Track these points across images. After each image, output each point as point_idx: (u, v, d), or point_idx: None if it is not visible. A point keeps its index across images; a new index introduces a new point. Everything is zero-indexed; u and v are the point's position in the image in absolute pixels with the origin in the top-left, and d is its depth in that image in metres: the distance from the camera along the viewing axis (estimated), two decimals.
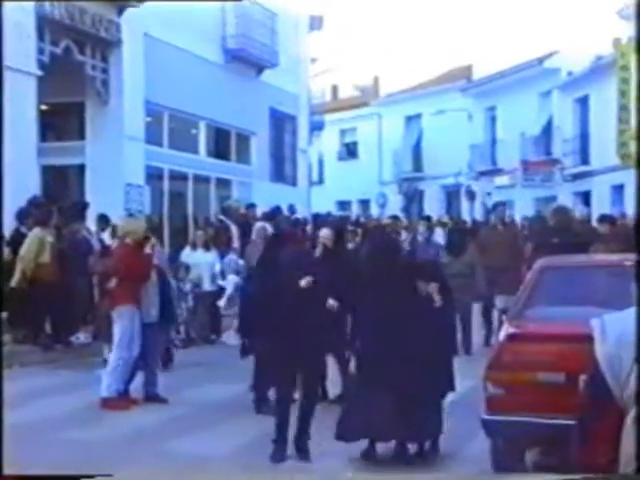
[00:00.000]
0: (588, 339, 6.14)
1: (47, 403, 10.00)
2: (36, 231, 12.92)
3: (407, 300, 7.12)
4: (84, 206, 14.62)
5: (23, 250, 12.70)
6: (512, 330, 6.35)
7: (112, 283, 10.04)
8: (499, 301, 12.29)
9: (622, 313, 2.80)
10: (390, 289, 7.09)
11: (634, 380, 2.65)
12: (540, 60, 33.13)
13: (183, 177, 20.93)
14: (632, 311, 2.72)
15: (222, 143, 22.69)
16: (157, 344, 10.15)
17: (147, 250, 9.61)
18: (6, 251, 12.98)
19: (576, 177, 31.51)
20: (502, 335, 6.33)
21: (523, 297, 6.80)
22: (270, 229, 13.29)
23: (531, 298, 6.75)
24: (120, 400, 9.54)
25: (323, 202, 31.76)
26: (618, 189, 28.40)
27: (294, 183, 25.47)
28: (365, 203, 41.23)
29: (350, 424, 7.08)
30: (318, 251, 9.13)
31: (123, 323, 9.51)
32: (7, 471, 5.07)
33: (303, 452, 7.35)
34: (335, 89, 44.96)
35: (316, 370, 7.60)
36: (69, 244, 13.00)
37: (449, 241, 14.95)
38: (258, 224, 14.55)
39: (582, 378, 5.98)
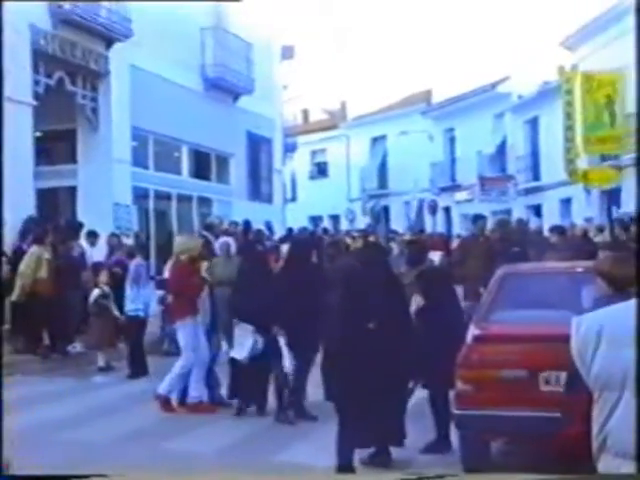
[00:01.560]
0: (547, 339, 6.34)
1: (46, 408, 10.00)
2: (34, 249, 12.92)
3: (400, 310, 7.08)
4: (79, 225, 14.61)
5: (22, 266, 12.69)
6: (477, 332, 6.47)
7: (169, 298, 10.34)
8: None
9: (595, 312, 3.10)
10: (383, 300, 6.93)
11: (597, 367, 2.95)
12: (493, 85, 33.46)
13: (167, 196, 20.96)
14: (602, 310, 3.03)
15: (203, 165, 22.73)
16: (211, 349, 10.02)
17: (202, 269, 9.63)
18: (6, 268, 12.96)
19: (528, 192, 31.79)
20: (469, 336, 6.44)
21: (487, 302, 6.93)
22: (233, 245, 13.08)
23: (494, 302, 6.88)
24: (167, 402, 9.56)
25: (297, 218, 31.83)
26: (566, 202, 28.73)
27: (270, 201, 25.53)
28: (335, 218, 41.34)
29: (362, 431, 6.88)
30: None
31: (184, 334, 9.47)
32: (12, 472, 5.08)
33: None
34: (306, 113, 45.09)
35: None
36: (64, 260, 12.99)
37: (408, 253, 14.79)
38: (221, 239, 14.10)
39: (541, 375, 6.18)
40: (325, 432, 7.26)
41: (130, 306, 12.01)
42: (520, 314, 6.76)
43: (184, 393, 9.57)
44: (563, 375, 6.08)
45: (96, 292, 12.64)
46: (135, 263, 12.26)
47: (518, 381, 6.16)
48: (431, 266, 7.73)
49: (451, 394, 6.85)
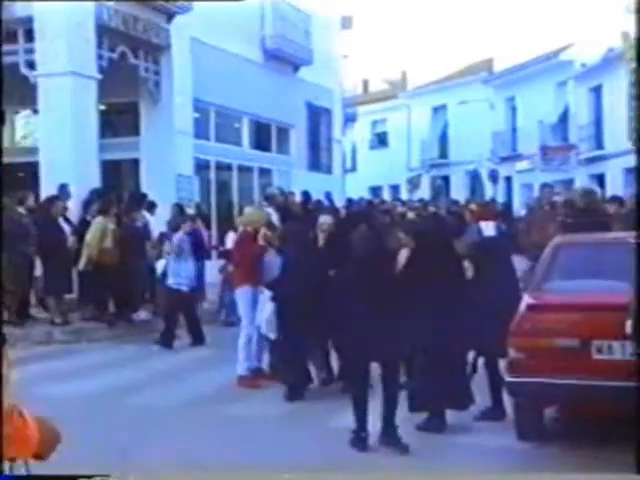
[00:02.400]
0: (600, 308, 6.40)
1: (111, 374, 10.30)
2: (99, 219, 13.23)
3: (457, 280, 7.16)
4: (142, 197, 14.88)
5: (88, 237, 13.01)
6: (531, 301, 6.55)
7: (230, 268, 10.58)
8: None
9: None
10: (442, 270, 7.04)
11: None
12: (556, 53, 33.01)
13: (228, 167, 21.20)
14: None
15: (263, 136, 22.91)
16: None
17: (260, 239, 9.57)
18: (73, 239, 13.32)
19: (591, 161, 31.39)
20: (523, 305, 6.53)
21: (540, 271, 7.00)
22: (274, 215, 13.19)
23: (548, 272, 6.95)
24: (252, 378, 9.43)
25: (356, 188, 31.93)
26: (629, 172, 28.29)
27: (329, 171, 25.64)
28: (395, 188, 41.35)
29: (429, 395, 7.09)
30: (320, 239, 8.91)
31: (242, 303, 9.59)
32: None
33: (393, 443, 6.74)
34: (366, 83, 45.00)
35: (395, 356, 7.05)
36: (128, 230, 13.29)
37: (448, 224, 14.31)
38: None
39: (594, 343, 6.25)
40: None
41: (174, 279, 12.05)
42: (573, 284, 6.82)
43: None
44: (615, 344, 6.14)
45: (163, 262, 12.90)
46: (178, 237, 12.29)
47: (570, 349, 6.23)
48: (485, 237, 7.73)
49: (502, 362, 6.97)
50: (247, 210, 11.44)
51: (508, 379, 6.51)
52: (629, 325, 5.77)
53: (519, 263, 7.72)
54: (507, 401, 7.26)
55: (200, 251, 13.94)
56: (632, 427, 5.57)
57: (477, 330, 7.06)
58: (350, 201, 25.07)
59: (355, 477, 6.29)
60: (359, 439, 6.75)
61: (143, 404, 8.71)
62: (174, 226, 13.14)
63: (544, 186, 15.01)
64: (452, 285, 7.04)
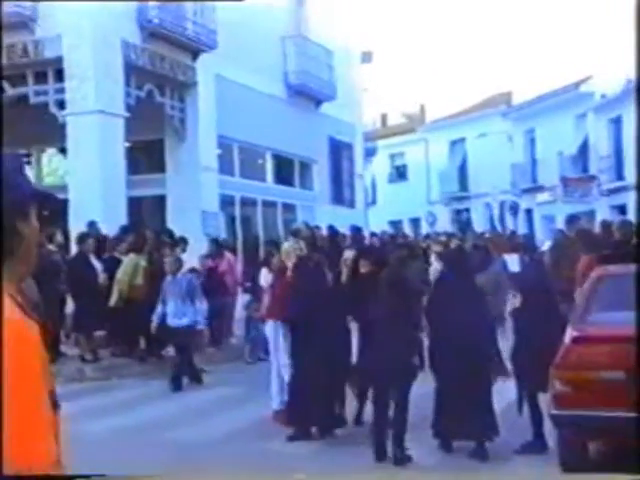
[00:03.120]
0: None
1: (143, 410, 10.35)
2: (132, 256, 13.29)
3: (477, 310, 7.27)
4: (171, 234, 14.86)
5: (120, 273, 13.07)
6: (575, 333, 6.52)
7: (261, 304, 10.54)
8: None
9: None
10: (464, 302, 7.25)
11: None
12: (576, 85, 33.08)
13: (252, 203, 21.33)
14: None
15: (286, 171, 23.07)
16: None
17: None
18: (104, 275, 13.37)
19: (612, 192, 31.32)
20: (567, 338, 6.50)
21: (583, 303, 6.98)
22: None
23: (590, 304, 6.93)
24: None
25: (377, 222, 31.95)
26: None
27: (352, 205, 25.73)
28: (415, 222, 41.31)
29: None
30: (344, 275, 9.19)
31: (272, 336, 9.52)
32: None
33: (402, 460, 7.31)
34: (384, 117, 45.18)
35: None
36: (160, 267, 13.31)
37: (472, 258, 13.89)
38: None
39: None
40: None
41: (184, 320, 11.78)
42: (616, 315, 6.78)
43: None
44: None
45: None
46: (189, 277, 12.23)
47: (616, 382, 6.19)
48: (529, 269, 7.82)
49: (545, 395, 6.96)
50: (287, 244, 11.06)
51: (553, 412, 6.47)
52: None
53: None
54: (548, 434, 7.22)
55: (221, 288, 14.15)
56: None
57: (518, 362, 7.06)
58: (373, 235, 25.12)
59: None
60: None
61: (178, 439, 8.66)
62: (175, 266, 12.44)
63: (571, 218, 14.83)
64: (470, 316, 7.19)
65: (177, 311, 11.76)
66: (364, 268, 8.77)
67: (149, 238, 14.11)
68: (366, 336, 8.19)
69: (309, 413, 8.36)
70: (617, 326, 6.53)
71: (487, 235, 22.15)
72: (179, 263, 12.22)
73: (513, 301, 7.33)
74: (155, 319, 11.94)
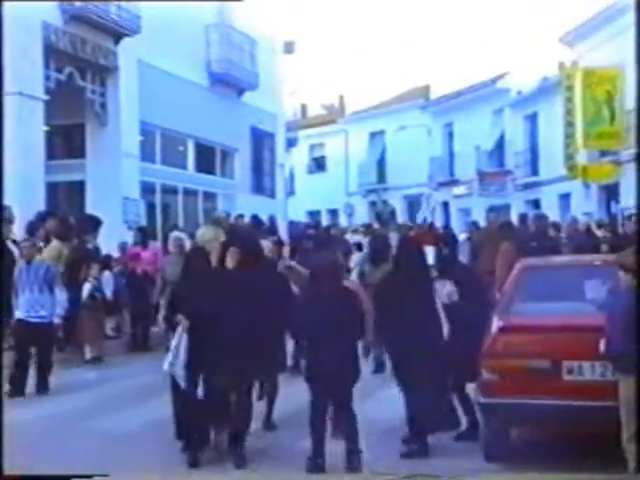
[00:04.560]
0: (568, 329, 6.53)
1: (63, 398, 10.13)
2: (55, 243, 12.99)
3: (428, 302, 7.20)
4: (97, 220, 14.47)
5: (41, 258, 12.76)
6: (501, 323, 6.64)
7: None
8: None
9: None
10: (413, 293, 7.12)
11: None
12: (493, 80, 33.64)
13: (174, 191, 21.11)
14: None
15: (208, 159, 22.88)
16: None
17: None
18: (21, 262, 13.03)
19: (527, 187, 31.99)
20: (493, 327, 6.61)
21: (508, 294, 7.11)
22: (187, 240, 12.78)
23: (515, 295, 7.06)
24: None
25: (294, 212, 32.00)
26: (565, 197, 28.92)
27: (273, 195, 25.68)
28: (333, 212, 41.52)
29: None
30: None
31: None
32: None
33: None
34: (304, 108, 45.17)
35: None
36: (81, 253, 13.06)
37: (372, 249, 12.40)
38: (174, 233, 13.86)
39: (565, 364, 6.36)
40: None
41: (42, 311, 10.45)
42: (541, 306, 6.94)
43: None
44: (585, 365, 6.26)
45: (88, 286, 12.78)
46: (47, 264, 11.00)
47: (541, 371, 6.33)
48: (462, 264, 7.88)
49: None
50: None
51: (481, 400, 6.58)
52: (602, 344, 5.91)
53: (443, 288, 7.68)
54: None
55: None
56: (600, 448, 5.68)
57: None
58: (292, 223, 25.21)
59: None
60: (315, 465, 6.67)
61: (100, 428, 8.51)
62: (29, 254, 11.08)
63: (490, 210, 15.11)
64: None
65: (34, 303, 10.39)
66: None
67: (72, 225, 13.81)
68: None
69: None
70: (542, 316, 6.68)
71: (409, 226, 22.32)
72: (35, 248, 11.05)
73: (446, 292, 7.34)
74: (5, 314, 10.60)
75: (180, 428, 7.35)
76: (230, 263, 7.53)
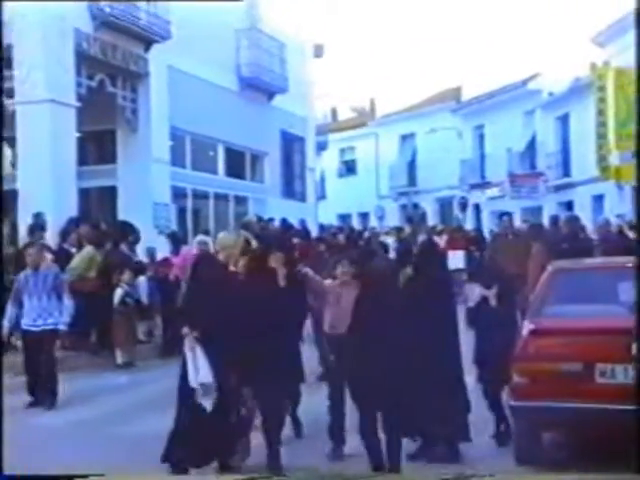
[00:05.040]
0: (601, 332, 6.47)
1: (95, 403, 10.24)
2: (89, 249, 13.12)
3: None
4: (132, 228, 14.53)
5: (74, 263, 12.92)
6: (532, 326, 6.60)
7: None
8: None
9: None
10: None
11: None
12: (524, 82, 33.45)
13: (204, 195, 21.22)
14: None
15: (238, 163, 22.96)
16: None
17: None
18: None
19: (559, 188, 31.76)
20: (524, 330, 6.58)
21: (539, 296, 7.06)
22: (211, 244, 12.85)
23: (546, 297, 7.02)
24: None
25: (325, 216, 32.03)
26: (598, 199, 28.66)
27: (303, 199, 25.71)
28: (364, 216, 41.51)
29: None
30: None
31: None
32: None
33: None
34: (334, 111, 45.21)
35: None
36: (115, 260, 13.16)
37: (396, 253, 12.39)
38: (198, 237, 13.78)
39: (598, 367, 6.30)
40: None
41: (49, 319, 10.16)
42: (573, 308, 6.88)
43: None
44: (618, 368, 6.21)
45: (119, 291, 12.91)
46: (55, 271, 10.69)
47: (573, 374, 6.28)
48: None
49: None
50: (221, 235, 10.43)
51: (512, 403, 6.55)
52: (635, 348, 5.86)
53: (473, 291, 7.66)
54: None
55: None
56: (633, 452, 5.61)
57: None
58: (322, 228, 25.25)
59: None
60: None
61: (126, 434, 8.53)
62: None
63: (502, 215, 14.90)
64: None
65: (42, 311, 10.08)
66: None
67: (107, 231, 13.94)
68: None
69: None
70: (574, 318, 6.63)
71: (439, 229, 22.25)
72: (41, 255, 10.61)
73: (480, 295, 7.29)
74: (6, 323, 10.22)
75: (176, 447, 6.93)
76: (277, 268, 7.11)
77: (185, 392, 6.95)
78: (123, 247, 13.72)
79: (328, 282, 7.72)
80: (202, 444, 6.80)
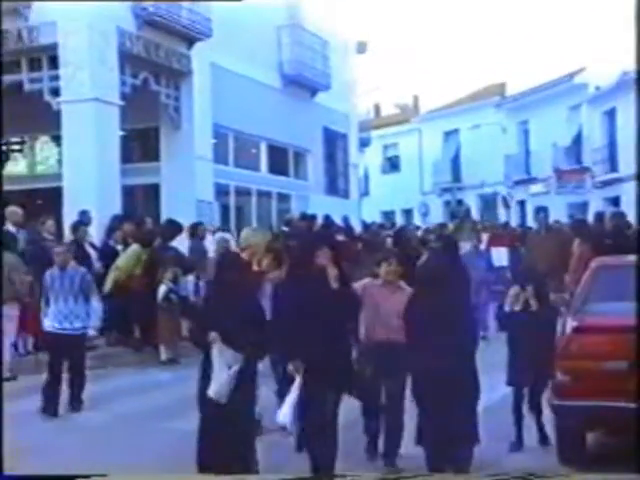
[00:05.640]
0: None
1: (140, 398, 10.31)
2: (135, 247, 13.25)
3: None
4: (179, 226, 14.51)
5: (120, 261, 13.06)
6: (576, 323, 6.54)
7: None
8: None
9: None
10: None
11: None
12: (570, 76, 33.09)
13: (247, 192, 21.30)
14: None
15: (281, 160, 23.02)
16: None
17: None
18: (98, 264, 13.36)
19: (606, 184, 31.37)
20: (567, 328, 6.51)
21: (583, 293, 6.99)
22: (231, 240, 12.59)
23: (590, 294, 6.94)
24: None
25: (369, 213, 31.98)
26: None
27: (346, 195, 25.71)
28: (408, 212, 41.38)
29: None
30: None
31: None
32: None
33: None
34: (377, 108, 45.12)
35: None
36: (160, 257, 13.25)
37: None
38: (218, 235, 13.90)
39: None
40: None
41: (76, 323, 9.58)
42: (616, 305, 6.80)
43: None
44: None
45: (163, 288, 13.00)
46: (83, 270, 9.94)
47: (617, 372, 6.20)
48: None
49: None
50: (245, 232, 9.41)
51: (554, 402, 6.49)
52: None
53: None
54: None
55: None
56: None
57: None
58: (365, 225, 25.19)
59: None
60: None
61: (174, 428, 8.56)
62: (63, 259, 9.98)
63: (539, 210, 14.62)
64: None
65: (68, 314, 9.49)
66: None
67: (151, 229, 14.06)
68: None
69: None
70: (617, 316, 6.55)
71: (484, 225, 22.02)
72: (69, 254, 9.93)
73: (513, 295, 7.21)
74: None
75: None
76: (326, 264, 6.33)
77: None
78: (172, 245, 13.77)
79: (365, 282, 7.12)
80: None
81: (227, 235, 13.64)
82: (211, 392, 6.34)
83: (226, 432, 6.31)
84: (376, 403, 6.94)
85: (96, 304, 9.74)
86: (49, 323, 9.54)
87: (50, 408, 9.31)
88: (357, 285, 6.94)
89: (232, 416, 6.28)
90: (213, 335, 6.32)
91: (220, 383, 6.29)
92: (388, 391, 6.88)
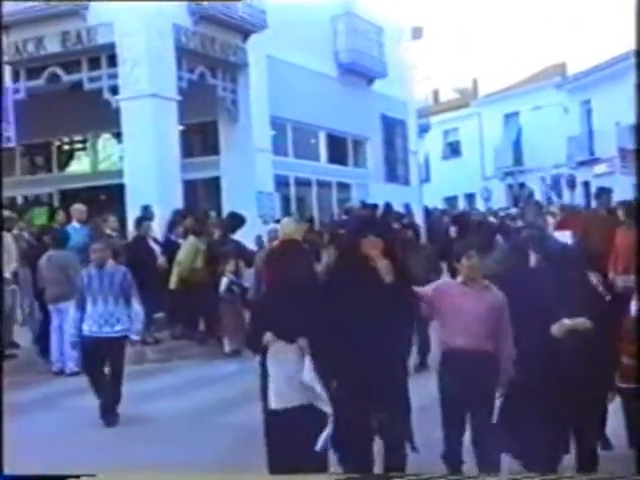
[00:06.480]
0: None
1: (205, 391, 10.38)
2: (192, 239, 13.37)
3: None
4: (241, 218, 14.55)
5: (180, 256, 13.19)
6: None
7: None
8: (620, 281, 11.24)
9: None
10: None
11: None
12: (633, 53, 32.36)
13: (307, 183, 21.33)
14: None
15: (340, 150, 22.99)
16: None
17: None
18: (162, 258, 13.50)
19: None
20: (632, 310, 6.37)
21: None
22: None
23: None
24: None
25: (430, 199, 31.78)
26: None
27: (407, 182, 25.56)
28: (470, 197, 41.04)
29: None
30: None
31: None
32: None
33: None
34: (436, 93, 44.78)
35: None
36: (217, 249, 13.36)
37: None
38: (270, 225, 13.88)
39: None
40: None
41: (117, 326, 8.91)
42: None
43: None
44: None
45: (225, 280, 13.06)
46: (123, 270, 9.24)
47: None
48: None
49: None
50: (284, 222, 9.43)
51: (621, 385, 6.37)
52: None
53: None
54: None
55: None
56: None
57: None
58: (428, 211, 25.07)
59: None
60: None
61: (238, 422, 8.55)
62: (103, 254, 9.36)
63: (600, 191, 13.82)
64: None
65: (109, 317, 8.85)
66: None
67: (213, 222, 14.16)
68: None
69: None
70: None
71: (552, 209, 21.63)
72: (108, 251, 9.25)
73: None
74: (72, 327, 9.01)
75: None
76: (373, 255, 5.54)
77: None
78: (234, 237, 13.83)
79: (442, 282, 6.65)
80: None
81: (278, 226, 13.73)
82: (273, 404, 5.81)
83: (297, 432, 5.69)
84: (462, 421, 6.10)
85: (137, 307, 9.03)
86: (87, 326, 8.83)
87: (109, 416, 8.74)
88: (430, 286, 6.25)
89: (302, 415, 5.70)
90: (268, 337, 5.78)
91: (282, 394, 5.76)
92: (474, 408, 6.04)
